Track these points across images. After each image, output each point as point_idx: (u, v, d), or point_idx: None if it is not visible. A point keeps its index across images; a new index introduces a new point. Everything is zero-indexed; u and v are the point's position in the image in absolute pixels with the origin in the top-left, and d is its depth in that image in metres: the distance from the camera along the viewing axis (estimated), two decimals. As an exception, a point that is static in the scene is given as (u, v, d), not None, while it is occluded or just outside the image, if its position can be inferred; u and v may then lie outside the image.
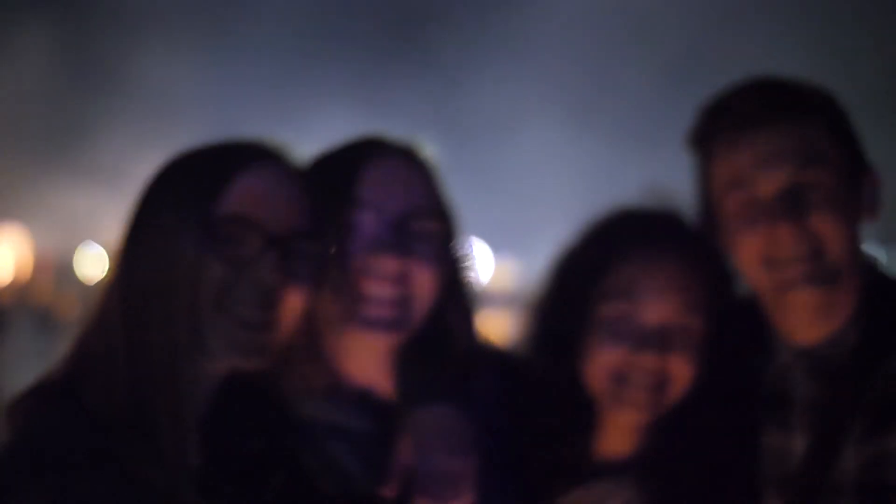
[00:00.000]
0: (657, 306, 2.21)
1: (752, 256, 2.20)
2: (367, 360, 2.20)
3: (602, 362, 2.22)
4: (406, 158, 2.21)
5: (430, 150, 2.25)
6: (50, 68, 20.65)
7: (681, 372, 2.21)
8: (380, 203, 2.11)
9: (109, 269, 1.83)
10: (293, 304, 1.88)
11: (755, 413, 2.30)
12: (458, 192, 2.28)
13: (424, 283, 2.14)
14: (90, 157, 20.21)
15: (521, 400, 2.29)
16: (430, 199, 2.20)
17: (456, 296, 2.24)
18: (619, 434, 2.30)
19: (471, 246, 2.31)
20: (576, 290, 2.27)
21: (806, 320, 2.23)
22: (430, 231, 2.16)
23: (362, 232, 2.11)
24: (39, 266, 19.91)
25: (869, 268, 2.28)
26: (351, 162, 2.15)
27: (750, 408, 2.30)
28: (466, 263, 2.29)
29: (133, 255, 1.81)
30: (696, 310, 2.23)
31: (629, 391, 2.20)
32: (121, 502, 1.67)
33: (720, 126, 2.24)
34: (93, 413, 1.72)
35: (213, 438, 1.82)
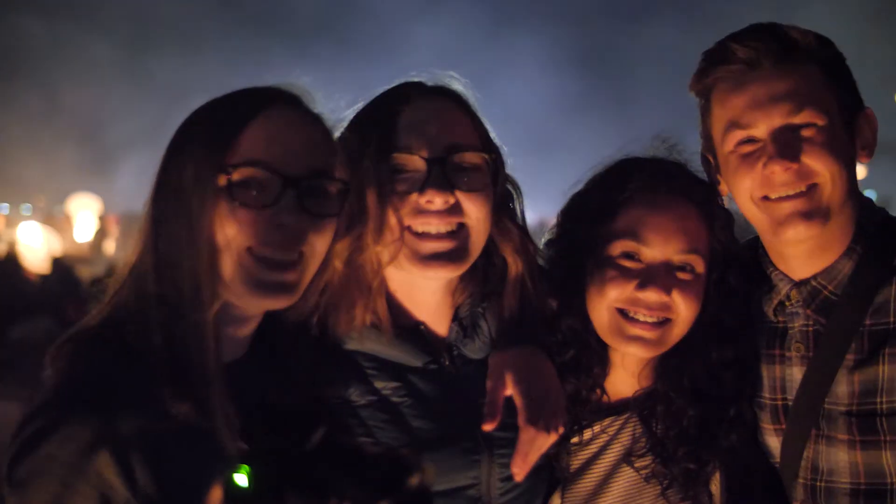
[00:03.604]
0: (662, 245, 2.31)
1: (749, 194, 2.30)
2: (422, 297, 2.28)
3: (610, 298, 2.32)
4: (443, 97, 2.26)
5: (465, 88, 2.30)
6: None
7: (682, 309, 2.31)
8: (420, 142, 2.17)
9: (141, 224, 1.91)
10: (317, 240, 1.94)
11: (755, 347, 2.41)
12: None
13: (475, 212, 2.20)
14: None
15: (539, 336, 2.36)
16: (471, 133, 2.24)
17: (506, 227, 2.30)
18: (627, 373, 2.41)
19: (517, 182, 2.36)
20: (585, 231, 2.38)
21: (801, 255, 2.33)
22: (474, 163, 2.21)
23: (407, 172, 2.17)
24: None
25: (864, 204, 2.37)
26: (389, 106, 2.22)
27: (750, 342, 2.41)
28: (514, 196, 2.35)
29: (159, 209, 1.89)
30: (698, 250, 2.33)
31: (634, 326, 2.31)
32: (160, 438, 1.74)
33: (720, 70, 2.33)
34: (132, 355, 1.80)
35: (253, 382, 1.91)
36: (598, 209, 2.38)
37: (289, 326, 2.05)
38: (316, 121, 1.98)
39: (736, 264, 2.40)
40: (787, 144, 2.23)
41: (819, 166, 2.24)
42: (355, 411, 2.18)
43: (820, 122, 2.24)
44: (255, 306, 1.94)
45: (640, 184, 2.37)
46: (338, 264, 2.11)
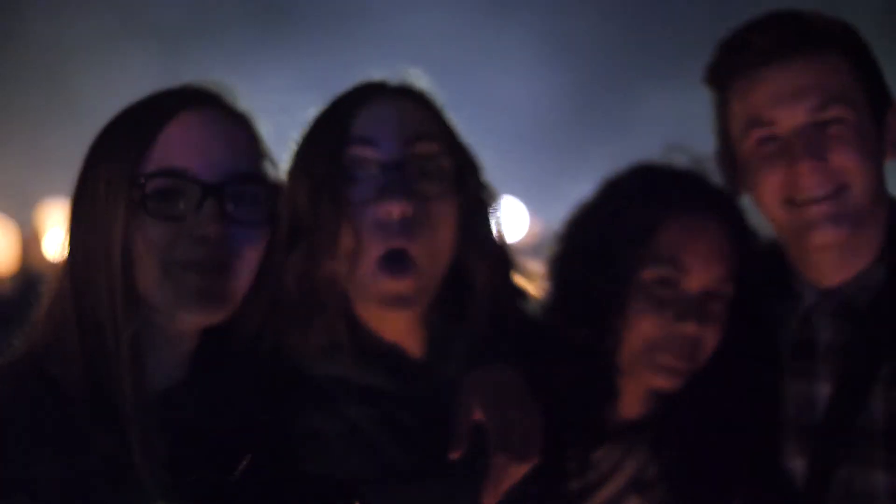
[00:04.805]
0: (702, 273, 2.14)
1: (772, 197, 2.12)
2: (391, 316, 2.05)
3: (642, 330, 2.14)
4: (404, 97, 2.06)
5: (432, 87, 2.09)
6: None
7: (711, 339, 2.16)
8: (376, 146, 1.97)
9: (62, 241, 1.77)
10: (247, 251, 1.77)
11: (776, 366, 2.23)
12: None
13: (441, 224, 1.98)
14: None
15: (544, 363, 2.17)
16: (435, 135, 2.03)
17: (477, 241, 2.08)
18: (636, 398, 2.24)
19: (495, 190, 2.14)
20: (614, 253, 2.17)
21: (830, 261, 2.15)
22: (438, 167, 1.99)
23: (361, 179, 1.97)
24: None
25: (894, 206, 2.19)
26: (345, 109, 2.03)
27: (771, 362, 2.23)
28: (489, 205, 2.13)
29: (76, 224, 1.75)
30: (733, 279, 2.17)
31: (664, 358, 2.14)
32: (80, 476, 1.60)
33: (738, 62, 2.15)
34: (55, 389, 1.66)
35: (192, 409, 1.74)
36: (630, 230, 2.17)
37: (235, 348, 1.86)
38: (238, 121, 1.82)
39: (761, 285, 2.23)
40: (813, 142, 2.05)
41: (849, 166, 2.06)
42: (323, 441, 1.97)
43: (848, 118, 2.07)
44: (184, 322, 1.77)
45: (676, 203, 2.18)
46: (290, 280, 1.93)
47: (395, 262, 1.96)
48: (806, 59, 2.09)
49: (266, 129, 1.88)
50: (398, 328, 2.07)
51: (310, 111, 2.07)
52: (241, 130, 1.81)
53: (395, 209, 1.93)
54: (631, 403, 2.24)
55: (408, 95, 2.07)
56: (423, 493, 1.97)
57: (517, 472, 1.94)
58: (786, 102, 2.08)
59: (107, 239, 1.68)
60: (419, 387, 2.05)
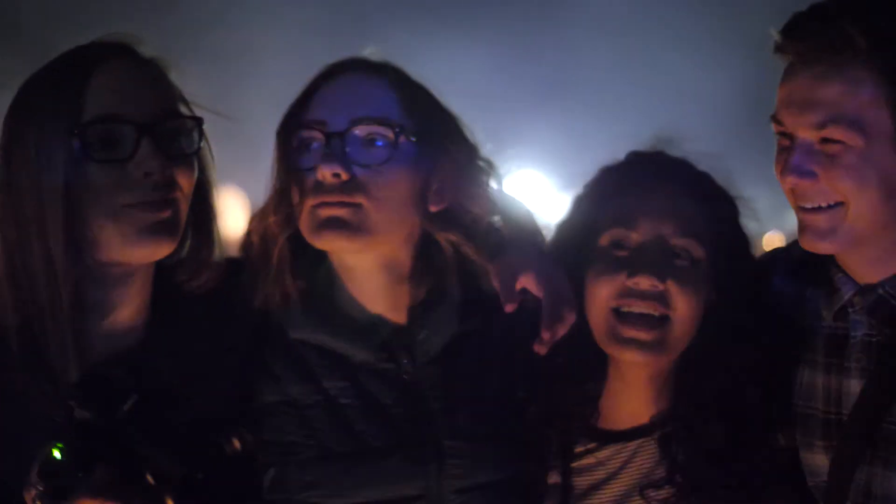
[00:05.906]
0: (651, 226, 2.16)
1: (785, 190, 2.09)
2: (367, 284, 2.21)
3: (602, 296, 2.17)
4: (366, 72, 2.20)
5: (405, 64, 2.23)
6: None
7: (680, 302, 2.13)
8: (324, 117, 2.13)
9: None
10: (184, 180, 1.95)
11: (799, 361, 2.21)
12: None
13: (381, 191, 2.11)
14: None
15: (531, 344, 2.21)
16: (388, 108, 2.15)
17: (442, 213, 2.20)
18: (637, 392, 2.24)
19: (477, 159, 2.25)
20: (580, 227, 2.26)
21: (863, 259, 2.10)
22: (380, 138, 2.13)
23: (309, 148, 2.15)
24: None
25: None
26: (312, 82, 2.21)
27: (793, 358, 2.20)
28: (465, 174, 2.23)
29: (7, 177, 1.89)
30: (694, 234, 2.16)
31: (629, 328, 2.14)
32: (14, 418, 1.77)
33: (781, 51, 2.08)
34: None
35: (151, 365, 1.88)
36: (594, 203, 2.26)
37: (189, 297, 2.04)
38: (152, 66, 1.99)
39: (747, 255, 2.24)
40: (806, 158, 2.00)
41: (842, 187, 1.99)
42: (298, 410, 2.13)
43: (850, 141, 1.97)
44: (134, 258, 1.93)
45: (632, 175, 2.25)
46: (254, 238, 2.14)
47: (332, 223, 2.12)
48: (825, 70, 1.99)
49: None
50: (379, 298, 2.21)
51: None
52: (157, 74, 1.99)
53: (328, 173, 2.09)
54: (637, 402, 2.25)
55: (367, 70, 2.21)
56: (389, 468, 2.09)
57: (569, 316, 2.13)
58: (792, 111, 2.03)
59: (45, 195, 1.84)
60: (399, 361, 2.17)
